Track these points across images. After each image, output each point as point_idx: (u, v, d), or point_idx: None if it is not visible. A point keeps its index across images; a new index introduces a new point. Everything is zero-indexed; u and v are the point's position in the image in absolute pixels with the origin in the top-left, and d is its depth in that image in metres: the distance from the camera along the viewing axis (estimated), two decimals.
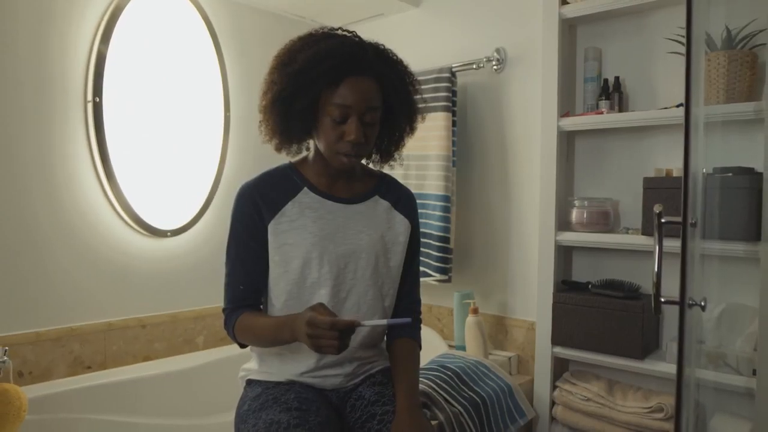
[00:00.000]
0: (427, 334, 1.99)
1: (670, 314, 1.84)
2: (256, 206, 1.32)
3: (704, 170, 1.54)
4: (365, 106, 1.25)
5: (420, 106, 1.40)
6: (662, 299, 1.17)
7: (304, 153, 1.41)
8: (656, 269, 1.18)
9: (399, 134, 1.40)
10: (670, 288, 1.24)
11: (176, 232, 2.15)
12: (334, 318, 1.11)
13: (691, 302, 1.13)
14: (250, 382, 1.41)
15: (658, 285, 1.18)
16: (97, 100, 1.90)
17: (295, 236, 1.32)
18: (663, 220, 1.18)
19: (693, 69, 1.09)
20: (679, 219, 1.11)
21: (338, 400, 1.38)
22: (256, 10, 2.43)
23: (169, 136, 2.12)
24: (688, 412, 1.16)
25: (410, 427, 1.23)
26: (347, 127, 1.25)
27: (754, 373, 1.48)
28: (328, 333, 1.10)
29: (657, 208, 1.19)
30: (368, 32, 2.44)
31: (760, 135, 1.51)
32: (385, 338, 1.46)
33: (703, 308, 1.17)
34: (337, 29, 1.33)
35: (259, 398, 1.31)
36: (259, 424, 1.23)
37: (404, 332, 1.43)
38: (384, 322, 1.23)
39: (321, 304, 1.16)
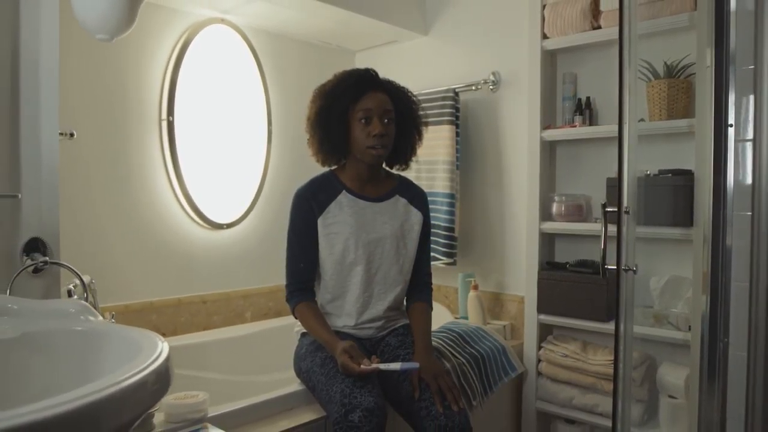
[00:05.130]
0: (435, 308, 2.38)
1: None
2: (309, 204, 1.76)
3: (649, 172, 1.98)
4: (383, 109, 1.71)
5: (421, 114, 1.85)
6: (607, 266, 1.62)
7: (341, 163, 1.84)
8: (603, 246, 1.63)
9: (411, 142, 1.84)
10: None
11: (230, 225, 2.57)
12: (361, 369, 1.49)
13: (625, 268, 1.58)
14: (304, 334, 1.82)
15: (603, 256, 1.63)
16: (171, 119, 2.31)
17: (338, 227, 1.76)
18: (607, 209, 1.62)
19: (624, 98, 1.54)
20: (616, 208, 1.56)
21: (371, 347, 1.81)
22: (291, 39, 2.84)
23: (224, 147, 2.53)
24: (625, 343, 1.59)
25: (425, 361, 1.64)
26: (372, 126, 1.70)
27: (690, 329, 1.89)
28: (355, 374, 1.51)
29: (602, 201, 1.63)
30: (384, 57, 2.96)
31: (693, 144, 1.94)
32: (405, 301, 1.91)
33: (635, 272, 1.61)
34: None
35: (314, 344, 1.73)
36: (316, 360, 1.67)
37: (420, 297, 1.87)
38: (398, 366, 1.50)
39: (352, 346, 1.54)
